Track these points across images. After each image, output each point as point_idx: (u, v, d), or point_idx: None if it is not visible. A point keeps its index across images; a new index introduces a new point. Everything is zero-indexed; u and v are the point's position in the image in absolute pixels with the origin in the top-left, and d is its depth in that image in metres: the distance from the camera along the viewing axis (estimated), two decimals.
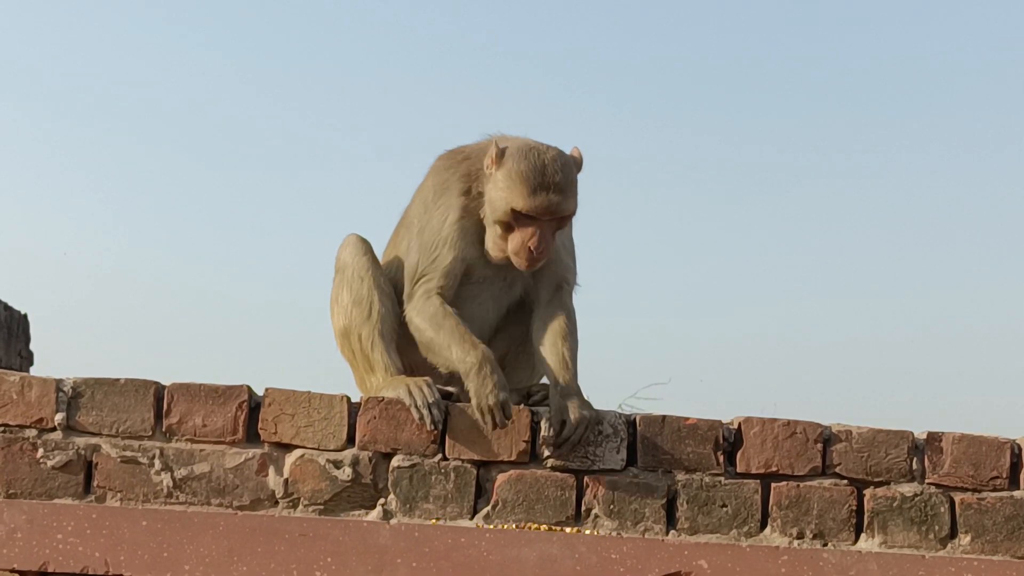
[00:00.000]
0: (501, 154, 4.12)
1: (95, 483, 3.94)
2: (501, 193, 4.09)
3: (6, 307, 10.05)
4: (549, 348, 4.18)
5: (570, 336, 4.20)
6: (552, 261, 4.23)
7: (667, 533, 4.01)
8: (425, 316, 4.13)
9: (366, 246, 4.37)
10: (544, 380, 4.36)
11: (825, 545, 4.02)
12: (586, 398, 4.05)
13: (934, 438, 4.10)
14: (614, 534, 3.96)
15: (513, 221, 4.09)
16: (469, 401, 4.01)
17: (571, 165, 4.16)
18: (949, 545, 4.05)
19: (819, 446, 4.07)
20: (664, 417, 4.07)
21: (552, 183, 4.06)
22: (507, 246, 4.12)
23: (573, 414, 3.94)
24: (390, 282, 4.31)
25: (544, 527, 3.93)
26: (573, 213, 4.18)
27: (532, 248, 4.07)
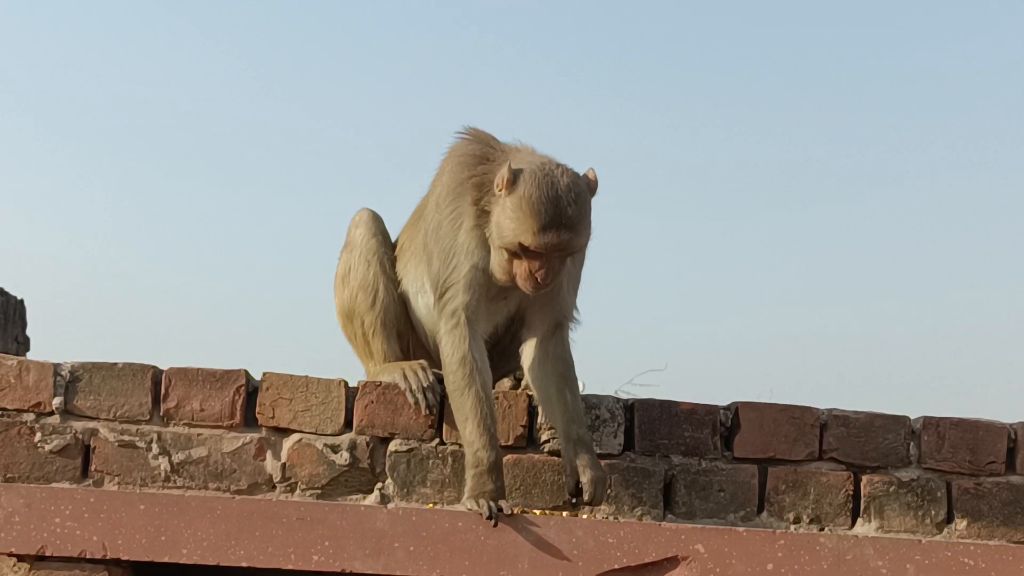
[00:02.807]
0: (513, 179, 3.87)
1: (93, 467, 3.95)
2: (510, 224, 3.85)
3: (2, 292, 10.04)
4: (557, 398, 4.00)
5: (575, 383, 4.04)
6: (553, 296, 4.05)
7: (664, 517, 4.01)
8: (455, 359, 3.95)
9: (377, 225, 4.34)
10: None
11: (822, 530, 4.02)
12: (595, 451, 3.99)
13: (931, 423, 4.10)
14: (611, 518, 3.96)
15: (521, 252, 3.86)
16: None
17: (585, 194, 3.90)
18: (946, 530, 4.06)
19: (816, 431, 4.07)
20: (661, 402, 4.07)
21: (563, 219, 3.81)
22: (512, 271, 3.91)
23: (586, 476, 3.87)
24: (396, 263, 4.28)
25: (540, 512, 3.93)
26: (583, 248, 3.99)
27: (539, 279, 3.86)
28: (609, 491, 4.01)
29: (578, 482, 3.89)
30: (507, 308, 4.14)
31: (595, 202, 3.97)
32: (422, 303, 4.23)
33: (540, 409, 4.07)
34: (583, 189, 3.90)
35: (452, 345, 3.94)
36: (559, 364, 4.05)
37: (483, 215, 3.96)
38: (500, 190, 3.89)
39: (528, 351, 4.11)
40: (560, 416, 3.98)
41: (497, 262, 3.94)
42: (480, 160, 4.04)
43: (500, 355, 4.16)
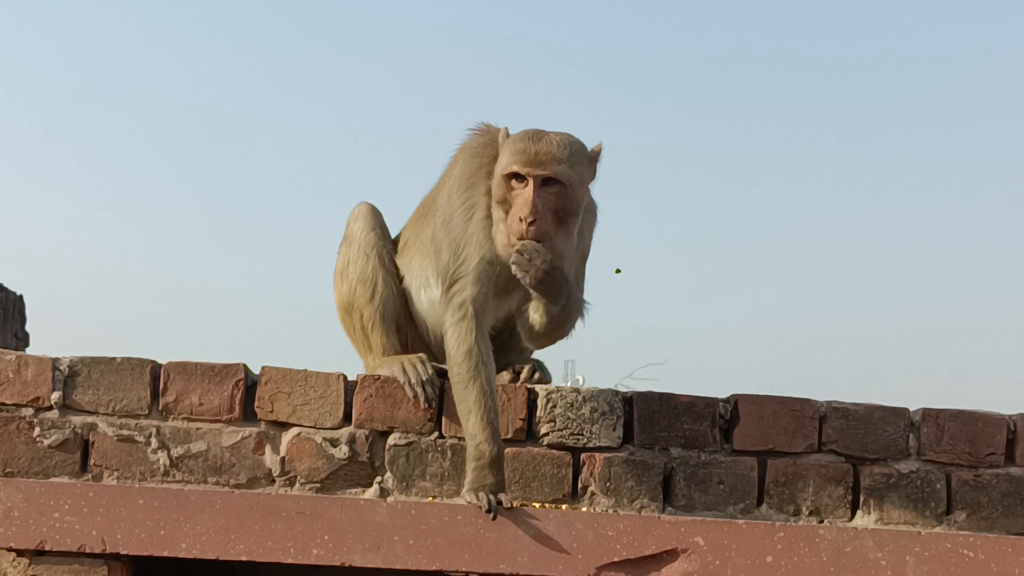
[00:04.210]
0: (506, 139, 3.95)
1: (92, 462, 3.95)
2: (498, 167, 3.91)
3: (2, 288, 10.05)
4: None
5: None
6: None
7: (664, 510, 4.01)
8: (460, 351, 3.93)
9: (375, 219, 4.34)
10: (534, 356, 4.35)
11: (821, 522, 4.02)
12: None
13: (930, 415, 4.10)
14: (611, 511, 3.96)
15: (509, 193, 3.85)
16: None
17: (578, 143, 3.93)
18: (945, 522, 4.06)
19: (815, 423, 4.07)
20: (661, 395, 4.07)
21: (545, 144, 3.85)
22: (508, 229, 3.84)
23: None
24: (395, 257, 4.28)
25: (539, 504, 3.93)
26: (569, 182, 3.85)
27: (523, 216, 3.79)
28: (607, 484, 4.01)
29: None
30: (510, 303, 4.13)
31: (600, 204, 4.02)
32: (425, 298, 4.22)
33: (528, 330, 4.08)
34: (578, 143, 3.94)
35: (459, 337, 3.94)
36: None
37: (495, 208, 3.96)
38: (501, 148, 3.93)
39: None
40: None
41: (499, 233, 3.89)
42: (492, 152, 4.04)
43: (499, 349, 4.15)
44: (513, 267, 3.80)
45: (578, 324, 4.07)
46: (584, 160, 3.95)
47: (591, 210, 4.12)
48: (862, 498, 4.06)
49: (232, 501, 3.78)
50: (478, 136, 4.13)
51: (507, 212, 3.87)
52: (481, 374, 3.90)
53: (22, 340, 10.39)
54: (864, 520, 4.04)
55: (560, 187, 3.85)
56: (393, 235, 4.41)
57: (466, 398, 3.89)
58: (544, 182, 3.84)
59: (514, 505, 3.81)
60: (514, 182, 3.87)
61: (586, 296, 4.10)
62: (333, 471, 3.98)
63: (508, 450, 3.99)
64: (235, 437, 3.98)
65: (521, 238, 3.80)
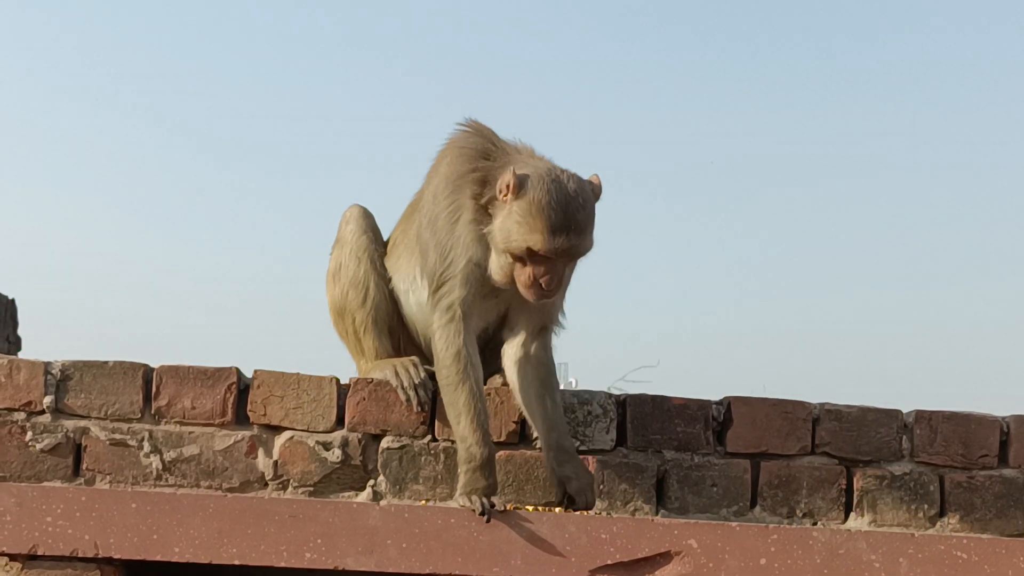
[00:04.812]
0: (520, 184, 3.83)
1: (84, 466, 3.94)
2: (518, 228, 3.81)
3: None
4: (537, 404, 3.99)
5: (555, 389, 4.03)
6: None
7: (657, 513, 4.01)
8: (448, 354, 3.92)
9: (367, 222, 4.33)
10: None
11: (815, 524, 4.02)
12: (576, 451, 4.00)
13: (923, 417, 4.10)
14: (604, 514, 3.96)
15: (527, 258, 3.82)
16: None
17: (591, 199, 3.88)
18: (939, 523, 4.06)
19: (809, 425, 4.07)
20: (654, 397, 4.07)
21: (573, 224, 3.79)
22: (514, 276, 3.87)
23: (573, 486, 3.89)
24: (388, 258, 4.28)
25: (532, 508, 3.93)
26: (589, 251, 3.92)
27: (544, 285, 3.83)
28: (601, 487, 4.00)
29: (566, 492, 3.90)
30: (499, 308, 4.11)
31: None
32: (413, 300, 4.21)
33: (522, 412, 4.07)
34: (590, 195, 3.89)
35: (447, 340, 3.93)
36: (540, 369, 4.04)
37: (482, 212, 3.94)
38: (504, 196, 3.85)
39: (510, 352, 4.09)
40: (541, 423, 3.98)
41: (499, 266, 3.90)
42: (481, 155, 4.01)
43: (491, 352, 4.15)
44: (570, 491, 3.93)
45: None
46: (595, 212, 3.92)
47: None
48: (855, 500, 4.06)
49: (225, 505, 3.77)
50: (467, 135, 4.08)
51: (515, 259, 3.86)
52: (470, 376, 3.89)
53: (14, 344, 10.37)
54: (858, 522, 4.04)
55: (578, 257, 3.92)
56: (386, 237, 4.40)
57: (455, 401, 3.88)
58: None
59: (507, 508, 3.81)
60: (536, 253, 3.84)
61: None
62: (326, 474, 3.98)
63: (501, 453, 3.99)
64: (228, 441, 3.97)
65: (536, 296, 3.86)
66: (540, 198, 3.80)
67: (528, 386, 4.02)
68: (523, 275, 3.86)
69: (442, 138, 4.16)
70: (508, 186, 3.84)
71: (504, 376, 4.18)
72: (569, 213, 3.79)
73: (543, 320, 4.07)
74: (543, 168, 3.89)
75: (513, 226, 3.82)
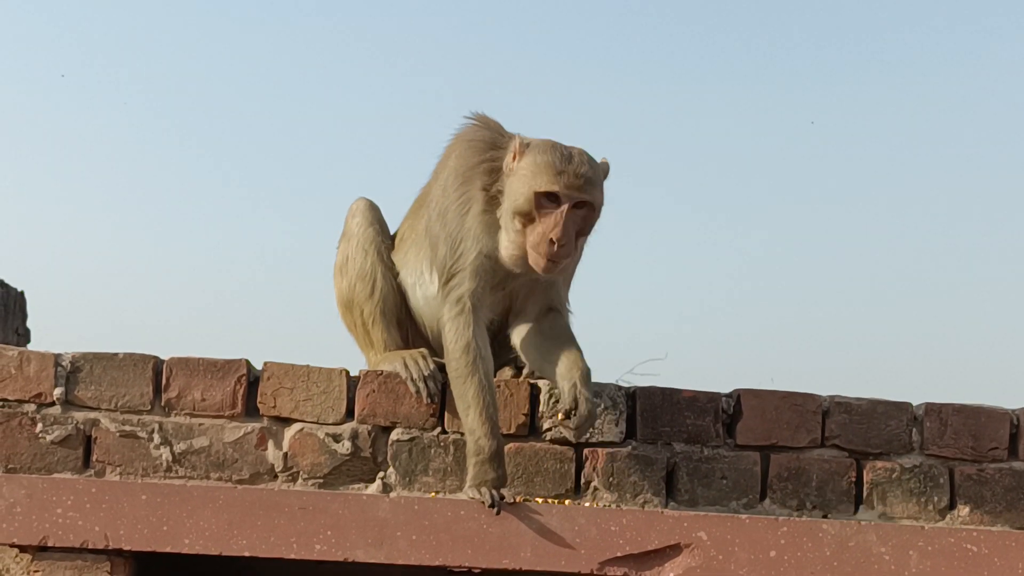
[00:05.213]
0: (524, 148, 3.93)
1: (94, 457, 3.94)
2: (524, 180, 3.87)
3: (3, 284, 10.03)
4: (555, 347, 4.00)
5: (577, 345, 4.02)
6: (547, 286, 4.08)
7: (667, 505, 4.01)
8: (458, 346, 3.93)
9: (374, 214, 4.34)
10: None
11: (825, 516, 4.02)
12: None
13: (933, 409, 4.10)
14: (614, 506, 3.96)
15: (536, 209, 3.85)
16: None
17: (597, 166, 3.95)
18: (948, 516, 4.06)
19: (818, 418, 4.07)
20: (663, 390, 4.07)
21: (578, 167, 3.86)
22: (526, 241, 3.88)
23: (584, 407, 3.86)
24: (395, 252, 4.28)
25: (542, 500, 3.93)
26: (598, 206, 3.93)
27: (554, 239, 3.82)
28: (611, 480, 4.00)
29: (573, 409, 3.87)
30: (507, 300, 4.13)
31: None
32: (421, 293, 4.22)
33: (530, 367, 4.10)
34: (596, 162, 3.96)
35: (456, 332, 3.93)
36: (557, 330, 4.06)
37: (492, 201, 3.97)
38: (510, 165, 3.92)
39: (519, 328, 4.12)
40: (564, 362, 3.95)
41: (509, 241, 3.92)
42: (490, 146, 4.04)
43: (500, 345, 4.15)
44: (564, 432, 3.97)
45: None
46: (603, 180, 3.98)
47: None
48: (865, 492, 4.05)
49: (235, 497, 3.77)
50: (475, 128, 4.10)
51: (525, 224, 3.89)
52: (479, 369, 3.89)
53: (23, 337, 10.38)
54: (867, 515, 4.04)
55: (588, 210, 3.92)
56: (392, 231, 4.41)
57: (465, 393, 3.88)
58: (575, 204, 3.88)
59: (517, 500, 3.81)
60: (544, 199, 3.87)
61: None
62: (336, 467, 3.98)
63: (511, 445, 3.99)
64: (238, 433, 3.97)
65: (547, 257, 3.85)
66: (544, 150, 3.91)
67: (545, 340, 4.04)
68: (533, 235, 3.87)
69: (448, 133, 4.18)
70: (515, 152, 3.92)
71: (519, 365, 4.19)
72: (573, 159, 3.89)
73: (549, 302, 4.10)
74: (546, 138, 3.98)
75: (519, 182, 3.89)
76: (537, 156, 3.89)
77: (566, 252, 3.87)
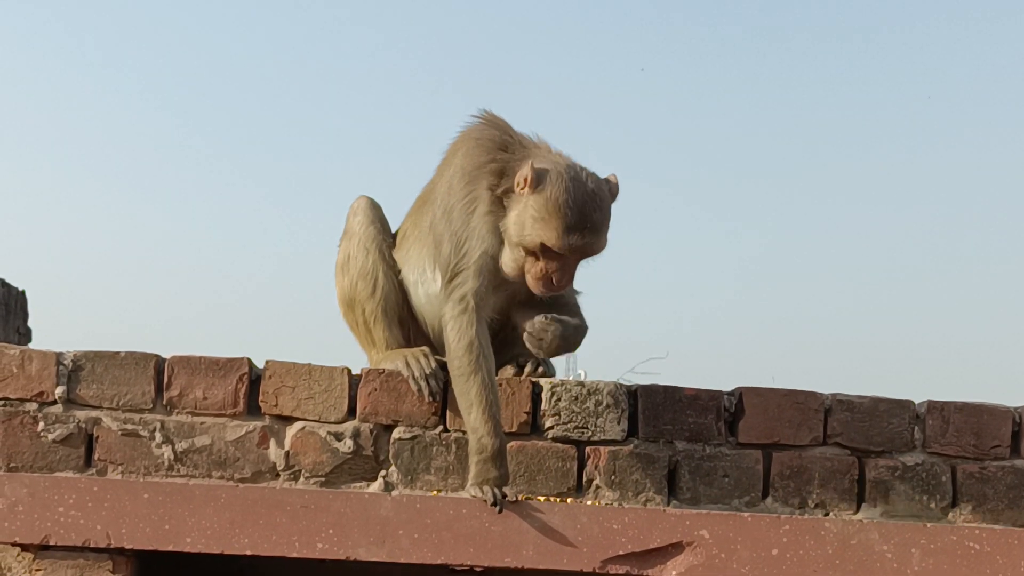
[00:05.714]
0: (538, 178, 3.86)
1: (96, 456, 3.94)
2: (533, 223, 3.84)
3: (3, 283, 10.04)
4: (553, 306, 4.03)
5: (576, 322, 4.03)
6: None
7: (669, 503, 4.01)
8: (461, 344, 3.92)
9: (375, 212, 4.34)
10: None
11: (827, 515, 4.02)
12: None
13: (935, 407, 4.10)
14: (616, 505, 3.96)
15: (540, 253, 3.87)
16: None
17: (607, 199, 3.92)
18: (951, 514, 4.06)
19: (820, 416, 4.07)
20: (665, 388, 4.07)
21: (588, 223, 3.83)
22: (525, 269, 3.91)
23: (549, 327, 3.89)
24: (397, 250, 4.28)
25: (544, 498, 3.93)
26: (603, 251, 3.95)
27: (555, 281, 3.89)
28: (612, 478, 4.00)
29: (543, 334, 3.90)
30: (509, 298, 4.12)
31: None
32: (423, 291, 4.22)
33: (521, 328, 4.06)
34: (606, 195, 3.93)
35: (459, 330, 3.93)
36: (559, 299, 4.05)
37: (497, 204, 3.96)
38: (521, 188, 3.88)
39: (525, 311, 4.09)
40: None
41: (511, 258, 3.94)
42: (497, 145, 4.03)
43: (502, 343, 4.15)
44: (526, 341, 3.93)
45: (583, 342, 4.10)
46: (611, 211, 3.96)
47: None
48: (867, 491, 4.05)
49: (237, 495, 3.77)
50: (483, 126, 4.09)
51: (528, 253, 3.90)
52: (482, 367, 3.89)
53: (24, 336, 10.38)
54: (869, 513, 4.04)
55: (591, 255, 3.96)
56: (394, 229, 4.40)
57: (467, 392, 3.88)
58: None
59: (519, 499, 3.81)
60: (550, 249, 3.87)
61: (583, 290, 4.17)
62: (338, 465, 3.98)
63: (512, 444, 3.99)
64: (239, 431, 3.98)
65: (546, 288, 3.91)
66: (558, 195, 3.83)
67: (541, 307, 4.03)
68: (534, 268, 3.89)
69: (454, 130, 4.17)
70: (526, 179, 3.86)
71: (520, 363, 4.19)
72: (585, 212, 3.83)
73: (553, 298, 4.09)
74: (562, 164, 3.91)
75: (528, 220, 3.85)
76: (549, 202, 3.84)
77: (565, 286, 3.94)
